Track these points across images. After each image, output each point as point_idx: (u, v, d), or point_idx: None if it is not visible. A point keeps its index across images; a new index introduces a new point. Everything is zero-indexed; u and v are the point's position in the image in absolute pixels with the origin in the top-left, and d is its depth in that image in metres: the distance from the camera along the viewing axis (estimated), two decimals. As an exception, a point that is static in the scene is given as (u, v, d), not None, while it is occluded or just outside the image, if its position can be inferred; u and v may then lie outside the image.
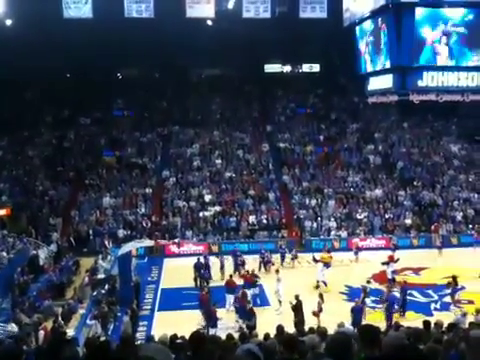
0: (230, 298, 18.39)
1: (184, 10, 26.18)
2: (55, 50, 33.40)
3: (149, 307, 19.56)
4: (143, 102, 38.23)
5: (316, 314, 16.30)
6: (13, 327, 16.14)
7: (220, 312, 17.11)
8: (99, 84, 37.65)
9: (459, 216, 29.94)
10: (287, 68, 43.57)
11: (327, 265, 21.73)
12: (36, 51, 33.04)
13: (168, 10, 26.40)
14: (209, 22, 30.06)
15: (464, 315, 14.19)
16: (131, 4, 26.13)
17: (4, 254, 22.38)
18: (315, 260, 22.18)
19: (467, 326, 10.75)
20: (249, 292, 18.56)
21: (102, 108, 37.92)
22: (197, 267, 21.76)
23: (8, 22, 28.53)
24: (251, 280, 19.46)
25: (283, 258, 24.66)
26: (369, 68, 18.97)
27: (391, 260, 21.61)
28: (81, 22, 27.27)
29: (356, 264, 24.74)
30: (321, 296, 17.12)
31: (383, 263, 21.70)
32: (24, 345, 9.53)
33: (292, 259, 24.63)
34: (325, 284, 20.78)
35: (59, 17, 26.19)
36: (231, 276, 20.05)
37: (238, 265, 23.03)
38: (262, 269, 23.35)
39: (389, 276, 21.00)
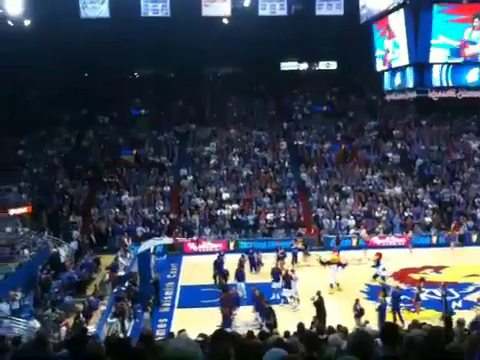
0: (240, 284, 19.78)
1: (200, 9, 26.26)
2: (73, 49, 33.76)
3: (169, 304, 19.74)
4: (159, 101, 38.47)
5: (358, 316, 16.19)
6: (35, 323, 16.45)
7: (242, 310, 17.26)
8: (116, 83, 38.01)
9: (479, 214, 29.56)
10: (303, 66, 43.38)
11: (341, 265, 20.94)
12: (54, 51, 33.44)
13: (184, 9, 26.50)
14: (225, 20, 30.11)
15: None
16: (147, 3, 26.30)
17: (26, 252, 22.78)
18: (322, 263, 21.39)
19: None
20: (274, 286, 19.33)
21: (120, 107, 38.29)
22: (217, 265, 21.85)
23: (26, 22, 28.97)
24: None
25: (296, 258, 24.41)
26: (387, 65, 18.84)
27: (379, 258, 21.62)
28: (98, 21, 27.57)
29: (366, 260, 24.33)
30: (357, 301, 16.86)
31: (373, 266, 21.65)
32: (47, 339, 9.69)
33: (305, 254, 24.68)
34: (331, 286, 20.29)
35: (76, 17, 26.54)
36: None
37: (255, 264, 23.15)
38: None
39: (380, 274, 20.98)
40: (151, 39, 33.34)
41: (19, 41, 28.58)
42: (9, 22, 26.59)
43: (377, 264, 21.54)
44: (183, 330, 10.59)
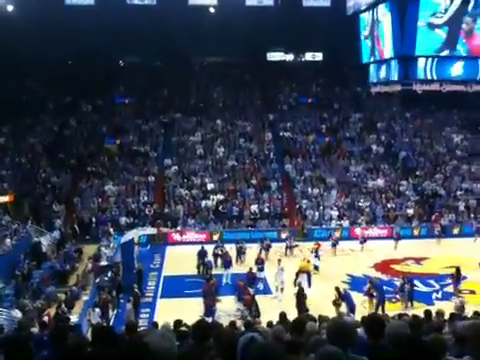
0: (227, 272, 20.39)
1: (187, -3, 26.13)
2: (57, 37, 33.21)
3: (151, 294, 19.68)
4: (145, 89, 38.09)
5: (336, 304, 16.12)
6: (17, 313, 16.28)
7: (225, 300, 17.29)
8: (101, 71, 37.56)
9: (461, 206, 29.95)
10: (290, 56, 43.33)
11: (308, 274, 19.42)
12: (38, 38, 32.88)
13: (170, -3, 26.31)
14: (212, 9, 29.90)
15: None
16: (133, -9, 26.08)
17: (7, 241, 22.50)
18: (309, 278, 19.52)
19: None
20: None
21: (104, 95, 37.85)
22: (201, 255, 21.86)
23: (10, 8, 28.43)
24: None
25: (287, 249, 24.54)
26: (372, 57, 18.89)
27: (318, 247, 22.26)
28: (83, 9, 27.20)
29: (360, 253, 24.72)
30: (337, 289, 16.53)
31: (312, 252, 21.96)
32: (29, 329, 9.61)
33: (289, 248, 24.48)
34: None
35: (61, 3, 26.15)
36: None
37: (240, 253, 23.20)
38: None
39: (316, 264, 21.30)
40: (137, 27, 32.94)
41: (2, 27, 28.04)
42: (-9, 7, 26.12)
43: (316, 254, 21.84)
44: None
